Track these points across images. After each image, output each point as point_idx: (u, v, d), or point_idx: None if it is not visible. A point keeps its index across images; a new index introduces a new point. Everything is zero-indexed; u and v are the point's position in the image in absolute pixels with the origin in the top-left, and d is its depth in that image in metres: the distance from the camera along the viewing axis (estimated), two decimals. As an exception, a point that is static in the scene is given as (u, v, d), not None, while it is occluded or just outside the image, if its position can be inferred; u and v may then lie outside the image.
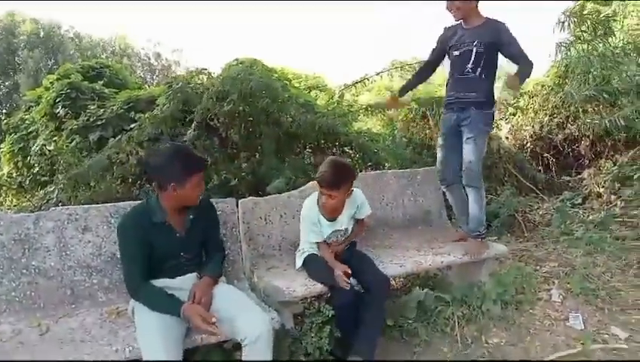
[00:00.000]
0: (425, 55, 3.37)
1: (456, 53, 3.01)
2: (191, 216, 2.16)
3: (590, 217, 4.44)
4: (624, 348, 2.48)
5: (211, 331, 1.90)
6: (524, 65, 2.85)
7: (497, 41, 2.89)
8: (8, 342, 1.97)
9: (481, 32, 2.93)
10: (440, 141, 3.23)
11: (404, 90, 3.42)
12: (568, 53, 5.74)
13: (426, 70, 3.32)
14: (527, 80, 2.99)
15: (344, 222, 2.63)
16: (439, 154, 3.24)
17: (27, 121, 7.95)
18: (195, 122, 4.91)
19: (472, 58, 2.93)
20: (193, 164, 2.07)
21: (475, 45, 2.92)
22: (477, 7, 2.97)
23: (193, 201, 2.12)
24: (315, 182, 2.57)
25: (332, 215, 2.59)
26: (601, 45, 5.65)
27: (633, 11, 6.45)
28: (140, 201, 2.28)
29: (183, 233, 2.14)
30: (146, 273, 2.06)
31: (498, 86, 5.40)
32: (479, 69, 2.93)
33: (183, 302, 1.96)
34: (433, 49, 3.22)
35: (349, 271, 2.37)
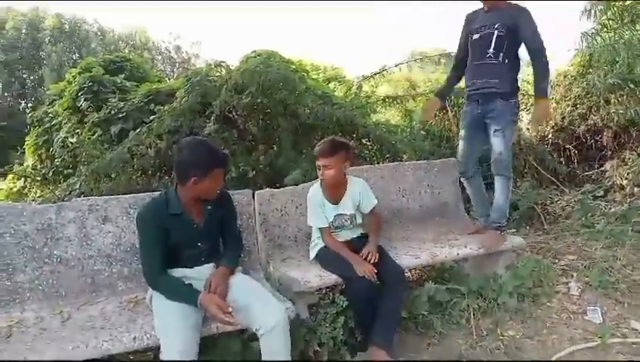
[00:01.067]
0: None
1: (477, 36, 2.96)
2: (209, 207, 2.21)
3: (612, 210, 4.35)
4: (644, 342, 2.44)
5: (227, 320, 1.93)
6: (539, 71, 2.84)
7: (517, 23, 2.83)
8: (32, 329, 2.05)
9: (503, 15, 2.88)
10: (462, 133, 3.20)
11: (444, 94, 3.38)
12: (594, 42, 5.61)
13: (460, 68, 3.22)
14: (548, 91, 2.94)
15: (348, 206, 2.66)
16: (461, 146, 3.22)
17: (51, 115, 8.13)
18: (214, 115, 4.95)
19: (494, 42, 2.87)
20: (215, 158, 2.10)
21: (497, 28, 2.86)
22: None
23: (211, 195, 2.16)
24: None
25: (334, 194, 2.64)
26: (627, 33, 5.50)
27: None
28: (158, 193, 2.33)
29: (200, 224, 2.18)
30: (164, 263, 2.10)
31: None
32: (501, 55, 2.88)
33: (200, 292, 2.00)
34: (459, 44, 3.17)
35: (374, 270, 2.38)
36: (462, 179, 3.30)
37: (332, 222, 2.64)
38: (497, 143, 2.96)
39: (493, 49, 2.88)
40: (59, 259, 2.35)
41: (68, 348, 1.82)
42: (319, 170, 2.59)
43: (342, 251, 2.53)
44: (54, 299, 2.29)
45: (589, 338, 2.51)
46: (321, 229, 2.64)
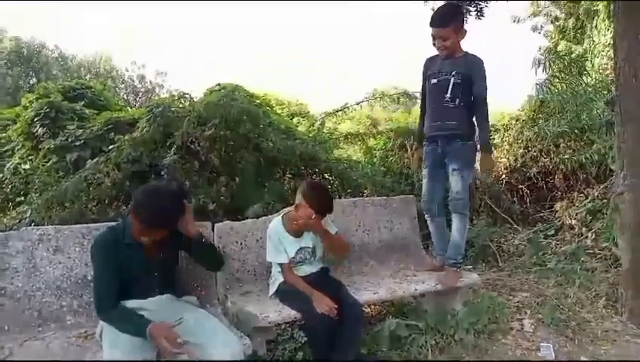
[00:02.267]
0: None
1: (434, 81, 3.09)
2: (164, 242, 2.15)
3: (562, 248, 4.52)
4: (593, 379, 2.51)
5: (176, 352, 1.88)
6: (482, 125, 3.05)
7: (472, 74, 2.99)
8: (-31, 366, 1.92)
9: (460, 64, 3.02)
10: (424, 172, 3.28)
11: (420, 137, 3.45)
12: (545, 90, 5.98)
13: (422, 112, 3.35)
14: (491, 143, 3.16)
15: (309, 239, 2.65)
16: (424, 186, 3.29)
17: (3, 140, 7.82)
18: (175, 145, 4.90)
19: (450, 88, 3.00)
20: (161, 220, 2.02)
21: (453, 75, 3.00)
22: (461, 39, 3.06)
23: (148, 242, 2.08)
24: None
25: (298, 233, 2.62)
26: (574, 84, 5.90)
27: (603, 51, 6.75)
28: (114, 222, 2.27)
29: (155, 258, 2.14)
30: (117, 294, 2.04)
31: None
32: (457, 100, 3.01)
33: (150, 322, 1.93)
34: (422, 87, 3.29)
35: (334, 306, 2.36)
36: (426, 217, 3.34)
37: (294, 257, 2.61)
38: (455, 183, 3.05)
39: (450, 94, 3.02)
40: (3, 292, 2.24)
41: (8, 386, 1.72)
42: (305, 213, 2.50)
43: (302, 287, 2.50)
44: (-4, 334, 2.16)
45: (542, 375, 2.56)
46: (281, 265, 2.61)
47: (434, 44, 3.08)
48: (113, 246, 2.05)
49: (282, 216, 2.67)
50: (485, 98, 3.03)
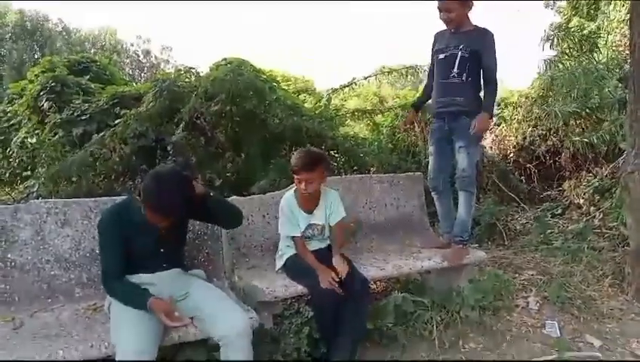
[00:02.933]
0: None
1: (442, 56, 3.04)
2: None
3: (569, 227, 4.51)
4: (597, 356, 2.53)
5: (175, 326, 1.91)
6: (489, 94, 2.99)
7: (480, 47, 2.93)
8: (-20, 335, 1.94)
9: (468, 38, 2.96)
10: (431, 149, 3.25)
11: (420, 103, 3.45)
12: (554, 67, 5.86)
13: (429, 83, 3.31)
14: (493, 111, 3.09)
15: (321, 216, 2.65)
16: (431, 162, 3.26)
17: (9, 114, 7.82)
18: (183, 122, 4.88)
19: (457, 62, 2.95)
20: (171, 209, 1.97)
21: (461, 50, 2.95)
22: (468, 14, 3.00)
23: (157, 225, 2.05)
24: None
25: (308, 205, 2.62)
26: (585, 61, 5.78)
27: (617, 28, 6.60)
28: (122, 197, 2.26)
29: (163, 229, 2.12)
30: (123, 268, 2.04)
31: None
32: (464, 74, 2.96)
33: (151, 296, 1.94)
34: (431, 59, 3.25)
35: (337, 277, 2.37)
36: (433, 194, 3.33)
37: (303, 231, 2.62)
38: (462, 160, 3.03)
39: (457, 69, 2.97)
40: (13, 264, 2.25)
41: (20, 357, 1.73)
42: (300, 183, 2.51)
43: (310, 261, 2.51)
44: (6, 305, 2.19)
45: (547, 352, 2.57)
46: (293, 238, 2.60)
47: (440, 18, 3.03)
48: (120, 221, 2.05)
49: (294, 190, 2.66)
50: (494, 71, 2.97)
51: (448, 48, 3.02)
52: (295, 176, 2.53)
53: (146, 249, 2.10)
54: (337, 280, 2.37)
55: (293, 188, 2.67)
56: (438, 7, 3.00)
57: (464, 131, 2.99)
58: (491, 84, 3.00)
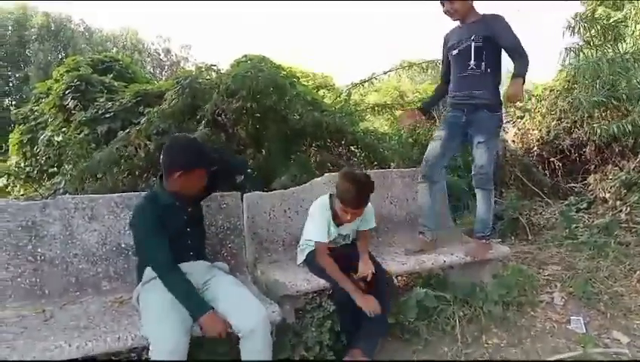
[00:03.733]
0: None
1: (456, 51, 2.97)
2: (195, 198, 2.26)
3: (595, 222, 4.41)
4: (625, 353, 2.48)
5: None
6: (520, 63, 2.79)
7: (493, 32, 2.83)
8: (13, 327, 2.00)
9: (478, 27, 2.89)
10: (438, 134, 3.08)
11: (429, 105, 3.36)
12: (577, 57, 5.73)
13: (446, 81, 3.19)
14: (526, 76, 2.83)
15: (349, 227, 2.64)
16: (432, 148, 3.07)
17: (36, 112, 8.02)
18: (205, 119, 4.93)
19: (473, 53, 2.88)
20: (203, 159, 2.14)
21: (473, 40, 2.87)
22: (473, 5, 2.92)
23: (195, 192, 2.20)
24: (325, 176, 2.55)
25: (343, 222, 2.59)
26: (610, 51, 5.63)
27: (645, 16, 6.40)
28: (145, 192, 2.32)
29: (192, 211, 2.24)
30: (172, 256, 2.06)
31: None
32: (483, 64, 2.87)
33: (208, 307, 1.98)
34: (442, 61, 3.20)
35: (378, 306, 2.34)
36: (422, 185, 3.09)
37: (331, 240, 2.59)
38: (480, 155, 2.92)
39: (474, 60, 2.88)
40: (43, 258, 2.31)
41: (50, 347, 1.78)
42: (346, 214, 2.46)
43: (337, 277, 2.41)
44: (37, 298, 2.25)
45: (572, 348, 2.54)
46: (317, 243, 2.53)
47: (444, 11, 2.96)
48: (154, 209, 2.11)
49: (330, 197, 2.60)
50: (519, 46, 2.81)
51: (460, 42, 2.94)
52: (342, 206, 2.46)
53: (178, 233, 2.15)
54: (364, 284, 2.39)
55: (328, 196, 2.62)
56: (441, 1, 2.94)
57: (483, 125, 2.90)
58: (521, 57, 2.80)
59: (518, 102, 2.80)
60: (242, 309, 2.00)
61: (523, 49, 2.81)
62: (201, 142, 2.33)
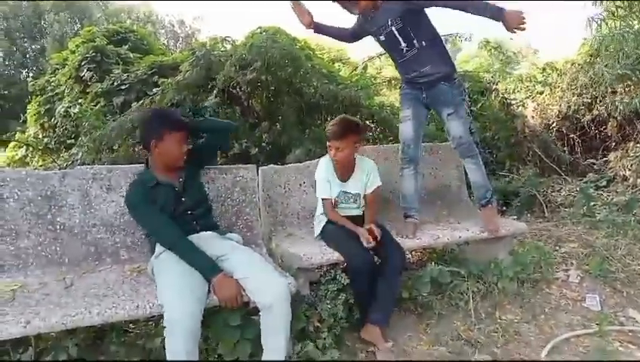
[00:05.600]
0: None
1: (382, 38, 2.81)
2: (183, 167, 2.28)
3: (614, 200, 4.34)
4: (641, 331, 2.47)
5: (234, 306, 1.98)
6: (472, 3, 2.56)
7: (409, 6, 2.66)
8: (35, 294, 2.05)
9: (389, 7, 2.71)
10: (407, 113, 2.94)
11: (322, 29, 3.01)
12: (599, 29, 5.52)
13: (349, 37, 3.03)
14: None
15: (355, 185, 2.65)
16: (406, 129, 2.95)
17: (53, 84, 8.06)
18: (216, 89, 4.91)
19: (399, 37, 2.73)
20: (169, 121, 2.21)
21: (392, 25, 2.71)
22: None
23: (176, 160, 2.22)
24: None
25: (343, 172, 2.63)
26: (636, 22, 5.43)
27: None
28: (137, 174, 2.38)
29: (180, 186, 2.25)
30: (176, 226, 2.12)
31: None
32: (415, 41, 2.73)
33: (221, 270, 2.01)
34: (355, 24, 2.96)
35: (371, 239, 2.41)
36: (407, 169, 2.99)
37: (336, 197, 2.63)
38: (454, 126, 2.84)
39: (404, 43, 2.75)
40: (62, 227, 2.36)
41: (71, 313, 1.82)
42: (330, 150, 2.56)
43: (345, 223, 2.54)
44: (57, 266, 2.30)
45: (587, 325, 2.53)
46: (323, 200, 2.61)
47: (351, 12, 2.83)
48: (143, 193, 2.16)
49: (331, 158, 2.66)
50: None
51: (382, 28, 2.77)
52: (328, 143, 2.56)
53: (173, 211, 2.19)
54: (373, 241, 2.40)
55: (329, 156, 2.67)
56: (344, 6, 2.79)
57: (446, 97, 2.80)
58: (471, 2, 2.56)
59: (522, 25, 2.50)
60: (264, 280, 2.01)
61: None
62: (169, 109, 2.37)
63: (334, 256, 2.45)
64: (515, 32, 2.51)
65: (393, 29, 2.72)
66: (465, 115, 2.92)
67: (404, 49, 2.76)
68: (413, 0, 2.67)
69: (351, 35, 3.03)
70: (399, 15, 2.68)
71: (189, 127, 2.30)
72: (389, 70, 8.68)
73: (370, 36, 2.95)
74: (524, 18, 2.45)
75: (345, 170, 2.64)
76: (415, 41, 2.73)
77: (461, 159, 3.02)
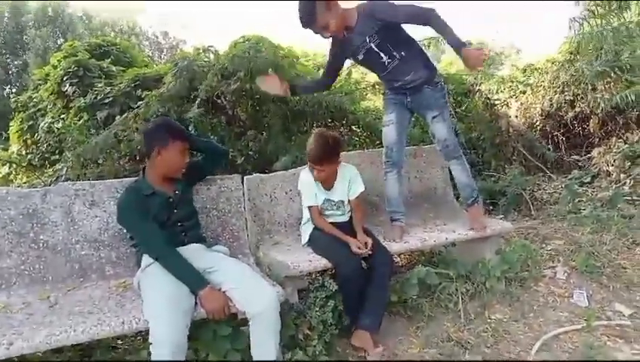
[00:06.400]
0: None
1: (360, 57, 2.79)
2: (180, 180, 2.29)
3: (599, 195, 4.40)
4: (628, 325, 2.49)
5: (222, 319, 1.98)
6: (442, 29, 2.54)
7: (382, 22, 2.63)
8: (18, 314, 2.03)
9: (364, 26, 2.67)
10: (390, 117, 2.95)
11: (301, 90, 3.12)
12: (582, 28, 5.61)
13: (326, 80, 3.05)
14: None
15: (338, 192, 2.66)
16: (390, 133, 2.95)
17: (35, 100, 7.98)
18: (199, 99, 4.89)
19: (380, 52, 2.71)
20: (176, 130, 2.24)
21: (370, 41, 2.69)
22: (341, 10, 2.64)
23: (177, 169, 2.24)
24: None
25: (326, 182, 2.64)
26: (615, 19, 5.51)
27: (651, -17, 6.25)
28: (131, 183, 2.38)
29: (175, 197, 2.25)
30: (165, 238, 2.12)
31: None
32: (395, 53, 2.72)
33: (208, 283, 2.01)
34: (331, 56, 2.91)
35: (363, 247, 2.42)
36: (391, 173, 2.98)
37: (321, 205, 2.64)
38: (440, 129, 2.86)
39: (385, 56, 2.73)
40: (45, 244, 2.33)
41: (55, 332, 1.80)
42: (314, 172, 2.56)
43: (334, 232, 2.54)
44: (41, 284, 2.27)
45: (575, 321, 2.55)
46: (310, 208, 2.62)
47: (325, 37, 2.73)
48: (136, 200, 2.17)
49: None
50: (415, 12, 2.57)
51: (359, 48, 2.73)
52: (309, 162, 2.57)
53: (165, 221, 2.19)
54: (364, 251, 2.41)
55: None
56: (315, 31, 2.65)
57: (432, 101, 2.81)
58: (430, 19, 2.54)
59: (480, 66, 2.55)
60: (251, 292, 2.00)
61: (422, 9, 2.57)
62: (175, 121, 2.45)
63: (322, 262, 2.45)
64: (472, 70, 2.54)
65: (372, 45, 2.70)
66: (449, 117, 2.95)
67: (386, 62, 2.75)
68: (385, 19, 2.63)
69: (329, 73, 3.00)
70: (375, 31, 2.66)
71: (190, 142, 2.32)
72: (373, 75, 8.73)
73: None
74: (483, 59, 2.47)
75: (328, 179, 2.64)
76: (395, 53, 2.72)
77: (447, 161, 3.04)
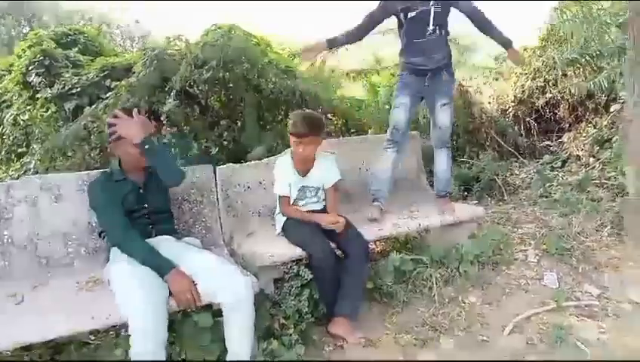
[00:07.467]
0: None
1: (413, 14, 2.85)
2: (150, 170, 2.24)
3: (569, 179, 4.50)
4: (595, 304, 2.56)
5: (191, 306, 1.95)
6: (493, 31, 2.91)
7: None
8: (-17, 312, 1.95)
9: None
10: (402, 100, 3.01)
11: (335, 43, 3.10)
12: (560, 16, 5.68)
13: (363, 32, 3.03)
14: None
15: (315, 179, 2.65)
16: (400, 115, 3.02)
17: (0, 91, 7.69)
18: (174, 90, 4.80)
19: (432, 19, 2.82)
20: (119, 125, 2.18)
21: (433, 5, 2.80)
22: None
23: (135, 163, 2.20)
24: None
25: (302, 167, 2.62)
26: (585, 8, 5.59)
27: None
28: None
29: (144, 187, 2.24)
30: (129, 224, 2.10)
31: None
32: (438, 29, 2.86)
33: (173, 265, 1.98)
34: (371, 13, 2.96)
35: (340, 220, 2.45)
36: (391, 150, 3.07)
37: (298, 192, 2.62)
38: (445, 117, 3.00)
39: (433, 25, 2.84)
40: (9, 240, 2.26)
41: (23, 330, 1.75)
42: (298, 146, 2.51)
43: (301, 216, 2.56)
44: (7, 281, 2.20)
45: (546, 302, 2.61)
46: (280, 197, 2.61)
47: None
48: (106, 185, 2.18)
49: (291, 152, 2.66)
50: (475, 8, 2.88)
51: (415, 4, 2.82)
52: (292, 139, 2.53)
53: (133, 209, 2.17)
54: (335, 226, 2.44)
55: (290, 151, 2.66)
56: None
57: (445, 88, 2.97)
58: (485, 20, 2.91)
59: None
60: (225, 282, 1.97)
61: (477, 9, 2.87)
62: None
63: (297, 252, 2.44)
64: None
65: (432, 9, 2.80)
66: (453, 108, 3.07)
67: (430, 31, 2.84)
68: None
69: (368, 27, 2.99)
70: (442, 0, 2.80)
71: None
72: (349, 62, 8.71)
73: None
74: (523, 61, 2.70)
75: (305, 165, 2.62)
76: (440, 27, 2.85)
77: (436, 148, 3.13)
